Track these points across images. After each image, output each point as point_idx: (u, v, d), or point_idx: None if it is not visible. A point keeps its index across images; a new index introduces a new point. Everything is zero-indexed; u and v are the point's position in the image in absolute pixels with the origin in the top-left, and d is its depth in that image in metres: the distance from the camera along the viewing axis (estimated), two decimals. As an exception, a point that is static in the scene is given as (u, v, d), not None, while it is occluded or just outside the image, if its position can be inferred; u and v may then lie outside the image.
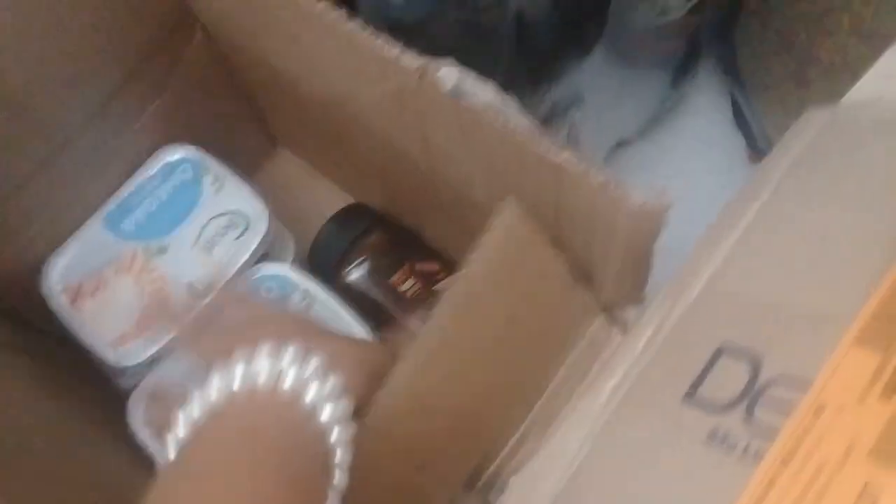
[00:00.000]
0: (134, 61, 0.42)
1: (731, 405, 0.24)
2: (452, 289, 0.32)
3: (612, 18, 0.41)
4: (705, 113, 0.58)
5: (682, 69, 0.51)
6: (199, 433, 0.27)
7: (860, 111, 0.30)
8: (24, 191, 0.42)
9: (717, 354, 0.26)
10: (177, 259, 0.44)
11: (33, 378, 0.41)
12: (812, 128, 0.31)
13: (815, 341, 0.23)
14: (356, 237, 0.49)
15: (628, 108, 0.50)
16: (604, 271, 0.34)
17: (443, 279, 0.48)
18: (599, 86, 0.43)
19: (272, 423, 0.27)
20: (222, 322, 0.34)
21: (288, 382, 0.27)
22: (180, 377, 0.42)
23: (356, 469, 0.29)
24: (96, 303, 0.43)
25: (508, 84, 0.31)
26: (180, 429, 0.27)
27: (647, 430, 0.26)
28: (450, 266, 0.49)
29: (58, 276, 0.44)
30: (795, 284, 0.26)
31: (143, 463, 0.40)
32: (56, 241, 0.45)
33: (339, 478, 0.28)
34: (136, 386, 0.42)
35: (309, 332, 0.33)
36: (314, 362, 0.28)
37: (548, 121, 0.42)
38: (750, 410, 0.23)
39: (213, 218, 0.45)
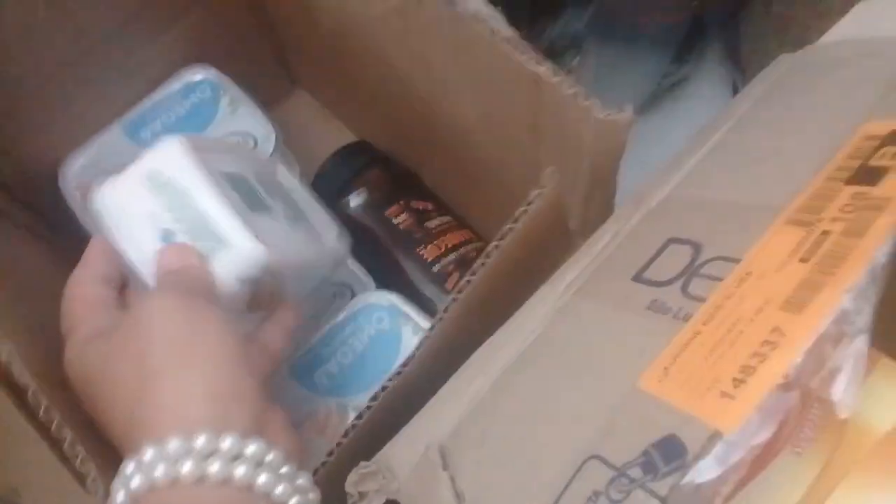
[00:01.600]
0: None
1: (670, 281, 0.26)
2: (485, 266, 0.31)
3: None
4: (707, 98, 0.60)
5: (686, 45, 0.53)
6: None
7: (823, 52, 0.32)
8: (50, 86, 0.44)
9: (665, 245, 0.28)
10: (187, 168, 0.47)
11: (49, 262, 0.44)
12: (781, 67, 0.33)
13: (752, 229, 0.25)
14: (358, 169, 0.52)
15: (628, 79, 0.52)
16: (573, 196, 0.36)
17: (434, 217, 0.50)
18: (600, 43, 0.45)
19: None
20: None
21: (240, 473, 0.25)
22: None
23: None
24: (108, 200, 0.46)
25: (507, 15, 0.33)
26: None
27: (598, 305, 0.28)
28: (442, 207, 0.52)
29: (74, 174, 0.47)
30: (741, 188, 0.28)
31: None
32: (76, 142, 0.47)
33: None
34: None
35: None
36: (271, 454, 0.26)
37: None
38: (686, 284, 0.25)
39: (226, 135, 0.48)
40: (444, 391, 0.29)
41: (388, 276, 0.48)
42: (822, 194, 0.24)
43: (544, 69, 0.31)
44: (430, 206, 0.51)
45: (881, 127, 0.25)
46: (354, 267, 0.48)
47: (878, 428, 0.25)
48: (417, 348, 0.31)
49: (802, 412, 0.26)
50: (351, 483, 0.27)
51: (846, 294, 0.20)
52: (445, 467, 0.25)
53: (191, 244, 0.33)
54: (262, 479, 0.26)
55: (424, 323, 0.43)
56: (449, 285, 0.47)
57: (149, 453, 0.25)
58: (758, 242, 0.24)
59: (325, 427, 0.41)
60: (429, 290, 0.48)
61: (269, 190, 0.40)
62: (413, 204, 0.51)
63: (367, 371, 0.42)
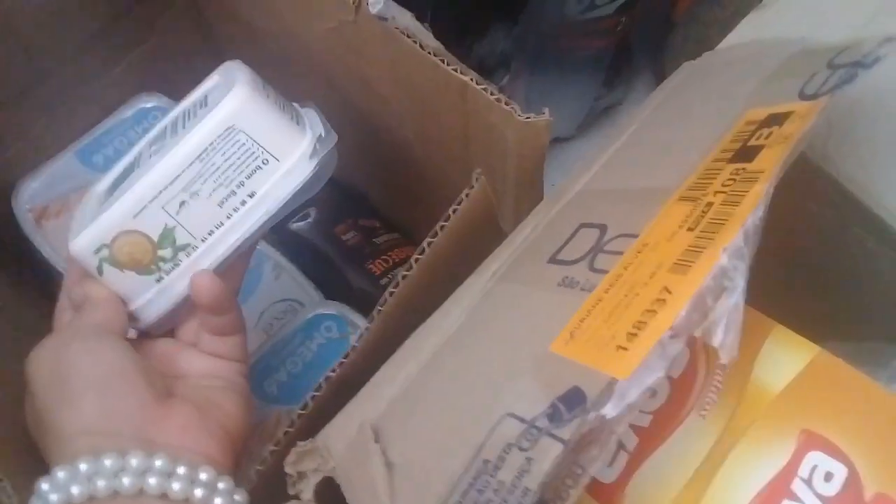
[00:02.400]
0: (121, 6, 0.47)
1: (579, 259, 0.28)
2: (419, 262, 0.33)
3: (541, 4, 0.46)
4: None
5: (615, 69, 0.57)
6: None
7: (717, 56, 0.36)
8: (3, 111, 0.46)
9: (577, 230, 0.30)
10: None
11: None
12: (682, 73, 0.36)
13: (649, 209, 0.28)
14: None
15: (560, 101, 0.55)
16: (504, 197, 0.39)
17: (381, 234, 0.53)
18: (529, 64, 0.48)
19: None
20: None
21: (176, 488, 0.28)
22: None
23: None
24: (59, 222, 0.48)
25: (434, 31, 0.36)
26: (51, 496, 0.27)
27: (517, 287, 0.30)
28: (387, 224, 0.54)
29: (27, 197, 0.48)
30: (642, 177, 0.31)
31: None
32: (29, 167, 0.49)
33: None
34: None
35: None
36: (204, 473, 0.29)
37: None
38: (592, 261, 0.28)
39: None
40: (377, 376, 0.31)
41: (338, 291, 0.50)
42: (708, 174, 0.27)
43: (470, 77, 0.34)
44: (376, 224, 0.53)
45: (760, 113, 0.27)
46: (303, 282, 0.50)
47: (772, 389, 0.27)
48: (357, 341, 0.33)
49: (707, 378, 0.29)
50: (289, 463, 0.29)
51: (724, 253, 0.23)
52: (377, 440, 0.27)
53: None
54: (152, 481, 0.27)
55: None
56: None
57: (45, 484, 0.27)
58: (654, 219, 0.27)
59: (275, 434, 0.42)
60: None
61: (162, 135, 0.36)
62: (361, 222, 0.53)
63: (315, 379, 0.43)
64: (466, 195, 0.32)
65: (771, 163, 0.25)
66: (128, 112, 0.52)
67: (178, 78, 0.53)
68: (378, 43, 0.37)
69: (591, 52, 0.53)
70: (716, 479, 0.26)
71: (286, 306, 0.50)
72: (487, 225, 0.37)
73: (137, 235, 0.32)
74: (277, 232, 0.51)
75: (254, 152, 0.33)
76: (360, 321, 0.46)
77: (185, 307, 0.34)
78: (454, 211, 0.32)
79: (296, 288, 0.50)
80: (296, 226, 0.53)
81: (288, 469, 0.29)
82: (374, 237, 0.52)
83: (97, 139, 0.51)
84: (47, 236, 0.47)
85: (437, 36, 0.35)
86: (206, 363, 0.35)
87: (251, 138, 0.33)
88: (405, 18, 0.34)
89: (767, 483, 0.25)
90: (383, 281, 0.50)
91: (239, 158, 0.33)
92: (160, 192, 0.32)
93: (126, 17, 0.49)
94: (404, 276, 0.33)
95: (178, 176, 0.32)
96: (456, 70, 0.34)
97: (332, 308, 0.47)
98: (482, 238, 0.37)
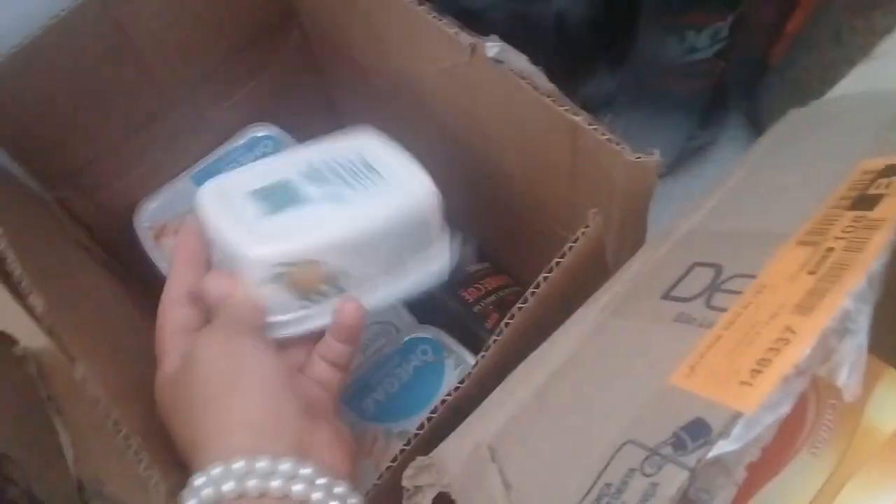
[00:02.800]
0: (239, 43, 0.51)
1: (695, 297, 0.29)
2: (536, 293, 0.34)
3: (642, 46, 0.48)
4: (730, 161, 0.64)
5: (709, 111, 0.57)
6: None
7: (826, 105, 0.36)
8: (132, 139, 0.50)
9: (690, 268, 0.31)
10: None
11: (121, 296, 0.48)
12: (789, 120, 0.37)
13: (766, 251, 0.28)
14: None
15: (656, 139, 0.56)
16: (608, 235, 0.40)
17: (475, 263, 0.54)
18: (631, 104, 0.50)
19: None
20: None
21: (298, 490, 0.29)
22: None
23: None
24: (177, 241, 0.51)
25: (546, 72, 0.38)
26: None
27: (630, 322, 0.31)
28: (481, 255, 0.55)
29: (147, 216, 0.52)
30: (756, 219, 0.32)
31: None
32: (150, 189, 0.53)
33: None
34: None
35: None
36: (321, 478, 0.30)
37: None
38: (709, 298, 0.28)
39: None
40: (489, 400, 0.32)
41: (433, 316, 0.52)
42: (826, 219, 0.27)
43: (581, 118, 0.35)
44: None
45: (876, 163, 0.28)
46: (398, 306, 0.52)
47: (883, 431, 0.27)
48: (462, 380, 0.34)
49: (818, 416, 0.29)
50: (406, 477, 0.30)
51: (848, 297, 0.24)
52: (494, 460, 0.28)
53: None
54: (297, 488, 0.29)
55: (466, 355, 0.47)
56: (488, 324, 0.51)
57: (199, 479, 0.29)
58: (772, 261, 0.27)
59: (372, 450, 0.44)
60: (470, 328, 0.51)
61: (322, 176, 0.40)
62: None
63: (411, 399, 0.45)
64: (583, 233, 0.34)
65: (893, 211, 0.25)
66: (240, 140, 0.55)
67: (287, 110, 0.57)
68: (491, 84, 0.39)
69: (688, 93, 0.54)
70: (828, 519, 0.26)
71: (380, 329, 0.52)
72: (597, 265, 0.38)
73: (318, 266, 0.35)
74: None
75: (423, 238, 0.39)
76: (454, 345, 0.48)
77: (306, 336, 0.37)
78: (570, 248, 0.33)
79: (390, 311, 0.52)
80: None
81: (405, 483, 0.30)
82: (467, 266, 0.54)
83: (212, 164, 0.54)
84: (166, 253, 0.50)
85: (549, 78, 0.37)
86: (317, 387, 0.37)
87: (426, 224, 0.39)
88: (520, 62, 0.36)
89: (882, 525, 0.26)
90: (476, 308, 0.52)
91: (412, 238, 0.39)
92: (356, 243, 0.36)
93: (243, 52, 0.52)
94: (514, 314, 0.34)
95: (370, 236, 0.37)
96: (568, 111, 0.36)
97: (428, 332, 0.48)
98: (590, 275, 0.38)
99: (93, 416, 0.34)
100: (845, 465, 0.27)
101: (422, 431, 0.33)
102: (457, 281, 0.53)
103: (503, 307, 0.52)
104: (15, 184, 0.44)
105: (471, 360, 0.47)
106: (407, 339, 0.48)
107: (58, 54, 0.41)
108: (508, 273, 0.55)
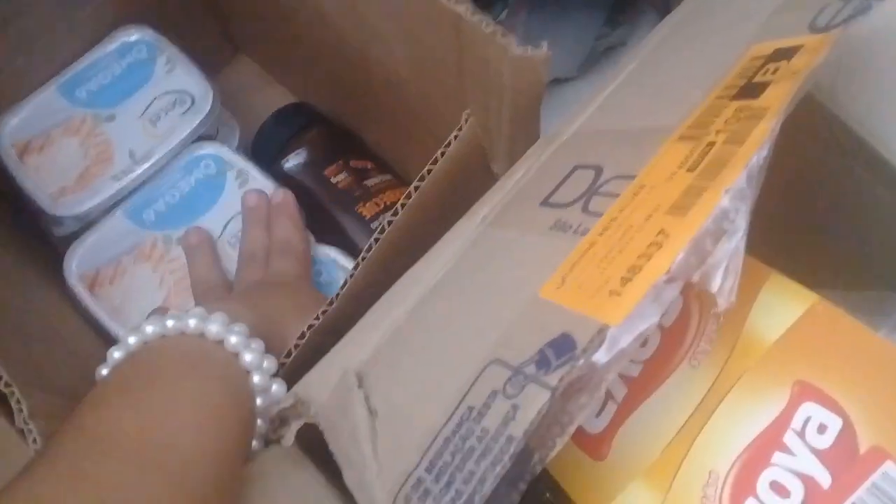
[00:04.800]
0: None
1: (573, 202, 0.27)
2: (406, 206, 0.33)
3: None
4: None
5: (618, 8, 0.54)
6: (134, 357, 0.31)
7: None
8: (-16, 44, 0.44)
9: (572, 171, 0.29)
10: (123, 127, 0.47)
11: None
12: (683, 9, 0.35)
13: (647, 149, 0.26)
14: (297, 131, 0.52)
15: (560, 39, 0.53)
16: (497, 136, 0.37)
17: (373, 176, 0.51)
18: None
19: (198, 354, 0.31)
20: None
21: (213, 330, 0.31)
22: (112, 241, 0.45)
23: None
24: (42, 158, 0.46)
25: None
26: (115, 353, 0.31)
27: (508, 232, 0.29)
28: (381, 166, 0.52)
29: (8, 132, 0.47)
30: (642, 115, 0.29)
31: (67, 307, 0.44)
32: (11, 101, 0.47)
33: (260, 424, 0.30)
34: (70, 238, 0.45)
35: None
36: (239, 327, 0.31)
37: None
38: (586, 203, 0.26)
39: (162, 94, 0.48)
40: (362, 322, 0.30)
41: (328, 234, 0.49)
42: (710, 111, 0.25)
43: (464, 8, 0.32)
44: (369, 165, 0.52)
45: (767, 47, 0.26)
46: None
47: (767, 338, 0.26)
48: (342, 287, 0.32)
49: (700, 327, 0.28)
50: (273, 412, 0.28)
51: (725, 194, 0.22)
52: (360, 387, 0.26)
53: None
54: (213, 328, 0.31)
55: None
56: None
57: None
58: (652, 159, 0.25)
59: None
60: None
61: None
62: (352, 163, 0.52)
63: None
64: (455, 137, 0.31)
65: (778, 100, 0.23)
66: (111, 45, 0.50)
67: (161, 9, 0.52)
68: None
69: (594, -11, 0.51)
70: (706, 430, 0.25)
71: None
72: (478, 168, 0.36)
73: None
74: (272, 171, 0.49)
75: None
76: (350, 266, 0.45)
77: None
78: (442, 154, 0.31)
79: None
80: (287, 166, 0.51)
81: (272, 417, 0.28)
82: (365, 179, 0.51)
83: (80, 73, 0.49)
84: (30, 172, 0.46)
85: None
86: None
87: None
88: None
89: (758, 434, 0.25)
90: (374, 224, 0.49)
91: None
92: None
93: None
94: (390, 222, 0.31)
95: None
96: (450, 1, 0.32)
97: (323, 254, 0.46)
98: (472, 181, 0.36)
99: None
100: (725, 376, 0.26)
101: (289, 359, 0.31)
102: (354, 196, 0.50)
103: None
104: None
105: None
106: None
107: None
108: (409, 184, 0.53)
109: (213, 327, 0.31)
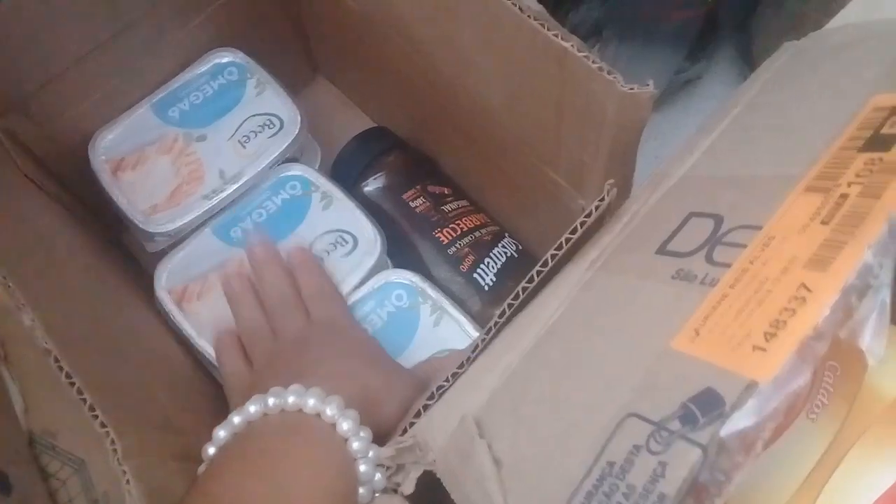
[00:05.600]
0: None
1: (694, 251, 0.27)
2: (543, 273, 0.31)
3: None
4: (718, 96, 0.61)
5: (699, 43, 0.55)
6: (241, 434, 0.33)
7: (827, 37, 0.34)
8: (85, 64, 0.45)
9: (686, 219, 0.29)
10: (213, 147, 0.48)
11: (77, 234, 0.45)
12: (786, 54, 0.35)
13: (771, 199, 0.26)
14: (377, 154, 0.53)
15: (644, 71, 0.53)
16: (593, 168, 0.37)
17: (450, 201, 0.52)
18: (619, 34, 0.47)
19: (301, 428, 0.33)
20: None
21: (311, 404, 0.33)
22: (200, 257, 0.46)
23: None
24: (135, 175, 0.47)
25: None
26: (220, 432, 0.33)
27: (623, 278, 0.29)
28: (457, 191, 0.53)
29: (104, 148, 0.48)
30: (757, 163, 0.29)
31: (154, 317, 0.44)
32: (107, 118, 0.49)
33: (363, 492, 0.32)
34: (161, 253, 0.46)
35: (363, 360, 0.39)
36: (334, 398, 0.33)
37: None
38: (710, 253, 0.26)
39: (252, 116, 0.49)
40: (474, 368, 0.30)
41: (405, 258, 0.49)
42: (837, 162, 0.25)
43: (570, 44, 0.33)
44: (446, 191, 0.53)
45: (890, 99, 0.26)
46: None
47: (886, 394, 0.26)
48: (473, 352, 0.30)
49: (815, 381, 0.27)
50: (387, 457, 0.28)
51: (868, 249, 0.22)
52: (482, 436, 0.26)
53: None
54: (311, 402, 0.32)
55: (442, 300, 0.45)
56: (463, 267, 0.48)
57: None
58: (778, 210, 0.25)
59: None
60: (443, 271, 0.49)
61: None
62: (430, 188, 0.52)
63: (385, 346, 0.43)
64: (596, 207, 0.31)
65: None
66: (203, 66, 0.51)
67: (252, 34, 0.53)
68: (474, 6, 0.36)
69: (678, 23, 0.51)
70: (829, 487, 0.25)
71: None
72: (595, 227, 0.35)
73: None
74: (351, 193, 0.50)
75: None
76: (429, 290, 0.46)
77: None
78: (581, 224, 0.31)
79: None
80: (367, 189, 0.52)
81: (386, 462, 0.28)
82: (442, 205, 0.51)
83: (173, 93, 0.50)
84: (123, 188, 0.47)
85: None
86: None
87: None
88: (506, -19, 0.33)
89: (885, 492, 0.24)
90: (450, 250, 0.50)
91: None
92: None
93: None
94: (524, 289, 0.31)
95: None
96: (557, 36, 0.33)
97: (403, 277, 0.46)
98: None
99: (44, 367, 0.32)
100: (846, 431, 0.26)
101: (430, 402, 0.29)
102: (432, 221, 0.50)
103: (479, 249, 0.49)
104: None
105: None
106: (381, 283, 0.46)
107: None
108: (487, 211, 0.53)
109: (311, 401, 0.33)
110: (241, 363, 0.42)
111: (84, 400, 0.28)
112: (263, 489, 0.29)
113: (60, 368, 0.28)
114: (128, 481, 0.27)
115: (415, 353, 0.43)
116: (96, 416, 0.28)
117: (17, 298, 0.29)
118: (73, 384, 0.28)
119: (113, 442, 0.28)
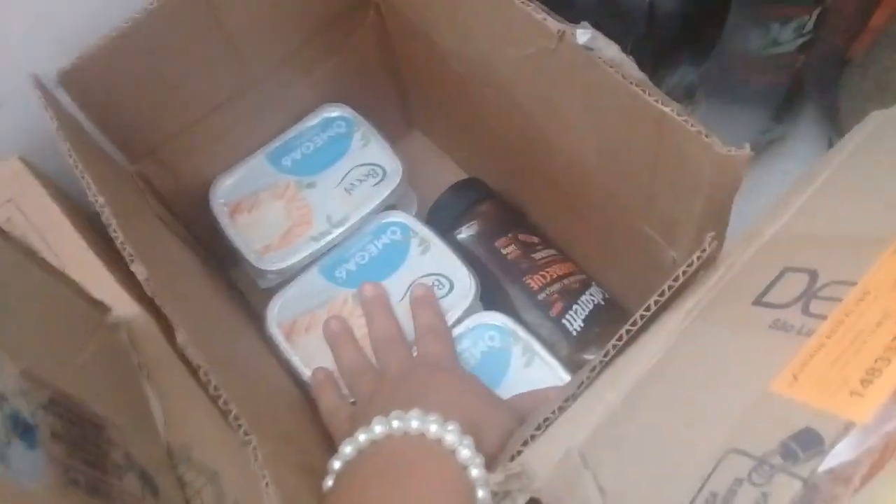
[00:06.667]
0: (320, 22, 0.51)
1: (790, 303, 0.29)
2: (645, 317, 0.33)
3: (727, 37, 0.47)
4: (802, 157, 0.63)
5: (786, 105, 0.56)
6: (366, 452, 0.36)
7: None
8: (214, 116, 0.50)
9: (781, 274, 0.31)
10: (322, 193, 0.53)
11: (197, 267, 0.49)
12: (874, 122, 0.36)
13: (864, 257, 0.28)
14: (471, 203, 0.56)
15: (732, 131, 0.55)
16: (687, 226, 0.39)
17: (540, 250, 0.54)
18: (710, 97, 0.49)
19: (422, 452, 0.35)
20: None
21: (432, 430, 0.35)
22: (308, 295, 0.50)
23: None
24: (251, 217, 0.52)
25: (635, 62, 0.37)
26: (346, 448, 0.36)
27: (720, 327, 0.31)
28: (546, 241, 0.55)
29: (222, 192, 0.53)
30: (849, 224, 0.31)
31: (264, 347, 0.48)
32: (226, 165, 0.53)
33: None
34: (273, 288, 0.50)
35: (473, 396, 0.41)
36: (453, 425, 0.35)
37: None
38: (806, 305, 0.28)
39: (357, 166, 0.53)
40: (576, 406, 0.32)
41: (496, 302, 0.52)
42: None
43: (671, 109, 0.35)
44: (535, 240, 0.55)
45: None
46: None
47: None
48: (571, 398, 0.32)
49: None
50: (496, 483, 0.30)
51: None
52: (587, 466, 0.28)
53: None
54: (433, 428, 0.35)
55: (533, 343, 0.47)
56: (553, 312, 0.51)
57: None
58: (872, 268, 0.27)
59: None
60: (533, 316, 0.51)
61: None
62: (521, 237, 0.55)
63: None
64: (698, 258, 0.33)
65: None
66: (314, 120, 0.55)
67: (361, 92, 0.57)
68: (577, 71, 0.38)
69: (766, 86, 0.53)
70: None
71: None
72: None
73: None
74: (448, 240, 0.53)
75: None
76: (520, 331, 0.48)
77: None
78: (683, 273, 0.33)
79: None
80: (460, 237, 0.55)
81: (494, 488, 0.30)
82: (532, 253, 0.54)
83: (286, 143, 0.55)
84: (240, 229, 0.51)
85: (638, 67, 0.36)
86: None
87: None
88: (611, 50, 0.36)
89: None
90: (540, 296, 0.52)
91: None
92: None
93: (324, 31, 0.52)
94: (628, 332, 0.33)
95: None
96: (657, 101, 0.35)
97: (496, 318, 0.49)
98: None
99: (183, 383, 0.36)
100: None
101: (524, 448, 0.32)
102: (522, 268, 0.53)
103: (567, 295, 0.52)
104: (106, 157, 0.45)
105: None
106: (474, 324, 0.48)
107: (153, 35, 0.42)
108: (574, 260, 0.55)
109: (434, 427, 0.35)
110: (338, 399, 0.45)
111: (230, 410, 0.31)
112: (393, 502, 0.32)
113: (209, 382, 0.31)
114: (267, 484, 0.29)
115: (504, 393, 0.46)
116: (240, 426, 0.31)
117: (169, 319, 0.32)
118: (219, 396, 0.31)
119: (255, 449, 0.30)
